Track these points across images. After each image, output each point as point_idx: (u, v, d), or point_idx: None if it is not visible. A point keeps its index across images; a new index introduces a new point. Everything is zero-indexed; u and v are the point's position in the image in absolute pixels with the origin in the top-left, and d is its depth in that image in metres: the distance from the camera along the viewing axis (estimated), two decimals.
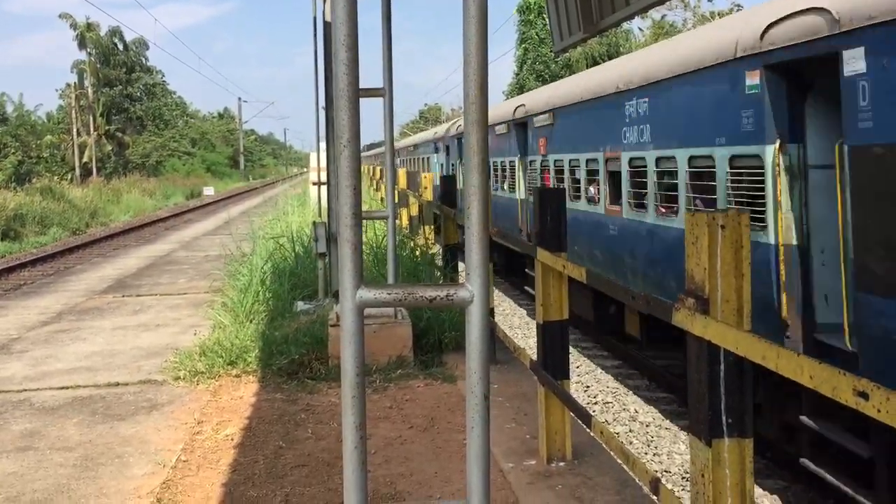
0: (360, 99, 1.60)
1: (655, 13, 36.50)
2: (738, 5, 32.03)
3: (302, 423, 5.84)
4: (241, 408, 6.26)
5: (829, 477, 6.31)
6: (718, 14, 31.57)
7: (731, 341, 2.40)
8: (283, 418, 5.96)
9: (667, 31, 36.17)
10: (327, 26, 8.64)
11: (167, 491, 4.73)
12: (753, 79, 6.94)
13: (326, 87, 8.63)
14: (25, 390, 7.03)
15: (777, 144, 6.65)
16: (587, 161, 11.26)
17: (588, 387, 10.23)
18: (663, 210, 8.85)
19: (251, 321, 8.58)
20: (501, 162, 16.42)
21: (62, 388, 7.08)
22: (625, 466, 4.33)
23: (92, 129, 61.55)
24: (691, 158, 8.14)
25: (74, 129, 58.49)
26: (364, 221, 3.50)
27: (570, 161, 11.98)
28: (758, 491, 6.81)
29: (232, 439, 5.57)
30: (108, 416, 6.21)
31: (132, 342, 8.82)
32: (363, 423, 1.62)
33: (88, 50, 65.92)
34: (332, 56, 7.74)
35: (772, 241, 6.73)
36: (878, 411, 1.67)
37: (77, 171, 55.91)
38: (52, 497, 4.70)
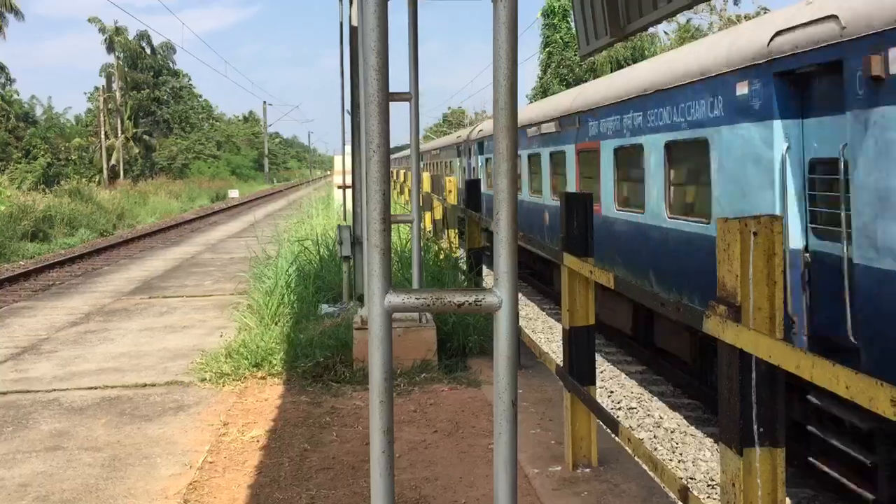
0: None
1: (681, 17, 36.30)
2: (765, 8, 31.76)
3: (327, 426, 5.85)
4: (267, 410, 6.28)
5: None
6: (745, 17, 31.31)
7: (764, 350, 2.37)
8: (308, 421, 5.98)
9: (693, 34, 35.94)
10: (353, 30, 8.67)
11: (194, 492, 4.76)
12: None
13: (352, 91, 8.66)
14: (54, 390, 7.10)
15: None
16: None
17: (612, 392, 10.16)
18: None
19: (276, 323, 8.62)
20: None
21: (91, 388, 7.15)
22: (652, 474, 4.29)
23: (119, 131, 62.28)
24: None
25: (102, 132, 59.20)
26: None
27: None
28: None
29: (257, 441, 5.59)
30: (136, 417, 6.27)
31: (159, 343, 8.89)
32: (391, 427, 1.61)
33: (117, 53, 66.77)
34: (358, 60, 7.75)
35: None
36: None
37: (105, 174, 56.59)
38: (81, 497, 4.75)
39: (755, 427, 2.57)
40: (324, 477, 4.92)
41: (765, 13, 27.48)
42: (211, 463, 5.23)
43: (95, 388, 7.13)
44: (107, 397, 6.84)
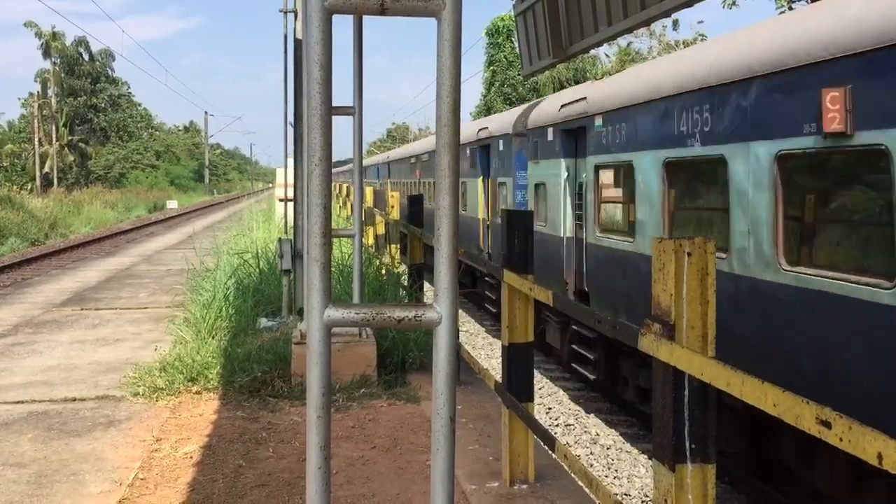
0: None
1: (622, 40, 37.03)
2: (702, 35, 32.61)
3: (263, 442, 5.77)
4: (202, 425, 6.16)
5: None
6: (684, 43, 32.10)
7: (697, 367, 2.42)
8: (244, 436, 5.88)
9: (633, 58, 36.68)
10: (298, 43, 8.64)
11: None
12: None
13: (296, 103, 8.61)
14: None
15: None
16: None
17: (550, 408, 10.25)
18: None
19: (213, 337, 8.48)
20: None
21: (17, 402, 6.91)
22: (587, 490, 4.33)
23: (54, 138, 60.74)
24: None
25: (36, 139, 57.66)
26: None
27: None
28: None
29: (191, 457, 5.48)
30: (65, 432, 6.08)
31: (90, 356, 8.66)
32: (328, 443, 1.60)
33: (53, 59, 65.20)
34: (302, 73, 7.71)
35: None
36: (841, 440, 1.69)
37: (38, 181, 55.06)
38: None
39: (687, 443, 2.62)
40: (259, 494, 4.84)
41: (702, 39, 28.19)
42: (142, 479, 5.11)
43: (22, 402, 6.90)
44: (34, 412, 6.63)
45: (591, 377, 10.19)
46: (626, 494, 7.72)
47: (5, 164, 54.85)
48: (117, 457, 5.53)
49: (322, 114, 1.55)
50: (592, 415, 9.99)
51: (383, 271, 10.97)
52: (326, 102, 1.55)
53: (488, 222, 15.33)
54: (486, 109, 43.73)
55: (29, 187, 50.98)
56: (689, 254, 2.63)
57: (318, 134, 1.54)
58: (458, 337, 7.88)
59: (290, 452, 5.54)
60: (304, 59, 8.16)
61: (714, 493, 2.69)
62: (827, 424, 1.73)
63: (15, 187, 43.60)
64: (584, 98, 10.28)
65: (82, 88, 69.34)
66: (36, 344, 9.40)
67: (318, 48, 1.52)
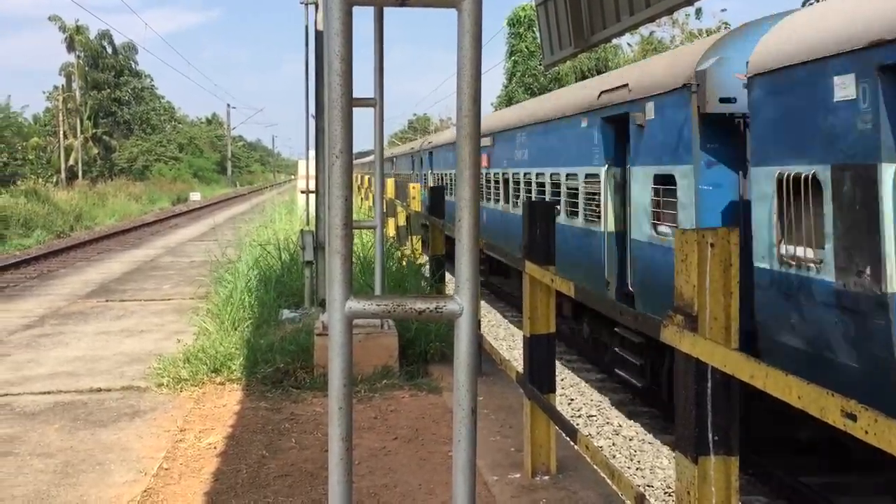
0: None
1: (644, 30, 36.75)
2: (725, 23, 32.29)
3: (286, 433, 5.81)
4: (225, 416, 6.21)
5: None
6: (707, 31, 31.80)
7: (719, 359, 2.41)
8: (267, 427, 5.92)
9: (655, 47, 36.40)
10: (319, 35, 8.65)
11: (148, 499, 4.69)
12: None
13: (317, 96, 8.63)
14: (6, 395, 6.95)
15: None
16: None
17: (572, 399, 10.22)
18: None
19: (236, 328, 8.53)
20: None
21: (44, 392, 7.01)
22: (609, 481, 4.32)
23: (79, 131, 61.33)
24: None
25: (61, 132, 58.23)
26: None
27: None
28: None
29: (215, 448, 5.53)
30: (90, 423, 6.15)
31: (115, 348, 8.75)
32: (350, 434, 1.60)
33: (77, 53, 65.73)
34: (323, 65, 7.72)
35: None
36: (866, 433, 1.67)
37: (63, 174, 55.63)
38: (32, 503, 4.65)
39: (710, 436, 2.61)
40: (281, 484, 4.88)
41: (726, 28, 27.90)
42: (166, 470, 5.16)
43: (49, 393, 6.99)
44: (60, 402, 6.72)
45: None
46: (648, 486, 7.70)
47: (31, 158, 55.40)
48: (142, 447, 5.59)
49: (343, 106, 1.55)
50: (615, 406, 9.96)
51: (404, 262, 10.99)
52: (347, 94, 1.55)
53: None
54: (508, 100, 43.60)
55: (54, 180, 51.50)
56: (711, 245, 2.60)
57: (338, 126, 1.54)
58: (480, 328, 7.87)
59: (313, 443, 5.58)
60: (324, 51, 8.18)
61: (737, 485, 2.67)
62: (852, 417, 1.71)
63: (40, 180, 44.02)
64: None
65: (106, 82, 69.88)
66: (62, 335, 9.51)
67: (338, 40, 1.52)
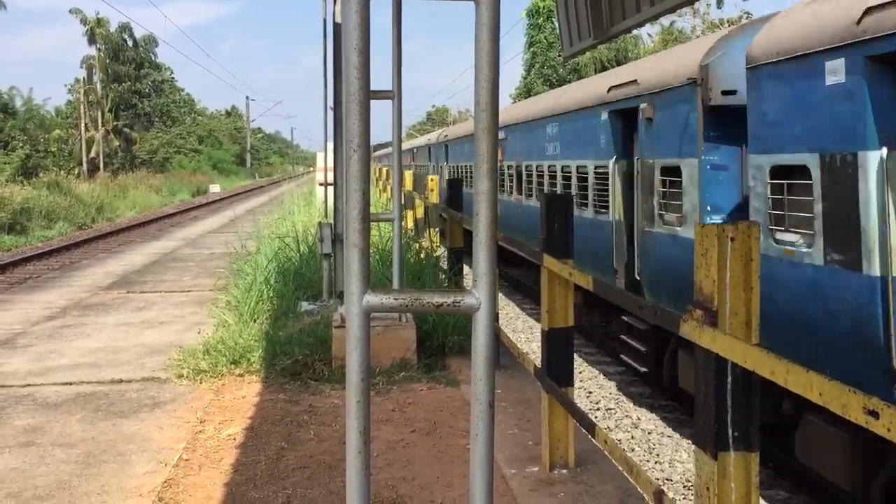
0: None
1: (665, 20, 36.46)
2: (747, 13, 31.99)
3: (304, 425, 5.83)
4: (244, 407, 6.25)
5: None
6: (728, 21, 31.50)
7: (740, 354, 2.38)
8: (286, 419, 5.95)
9: (676, 37, 36.12)
10: (337, 27, 8.64)
11: (168, 490, 4.72)
12: None
13: (335, 88, 8.63)
14: (29, 385, 7.03)
15: None
16: None
17: (591, 392, 10.20)
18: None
19: (255, 320, 8.58)
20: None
21: (65, 383, 7.08)
22: (628, 476, 4.30)
23: (100, 124, 61.75)
24: None
25: (83, 124, 58.65)
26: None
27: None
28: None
29: (234, 439, 5.56)
30: (111, 413, 6.21)
31: (136, 339, 8.82)
32: (367, 427, 1.60)
33: (98, 45, 66.13)
34: (341, 57, 7.70)
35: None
36: (889, 430, 1.65)
37: (84, 166, 56.06)
38: (54, 493, 4.70)
39: (730, 431, 2.59)
40: (300, 476, 4.90)
41: (748, 17, 27.64)
42: (186, 460, 5.20)
43: (70, 384, 7.06)
44: (82, 393, 6.78)
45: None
46: (667, 479, 7.67)
47: (53, 150, 55.81)
48: (162, 438, 5.63)
49: (360, 99, 1.54)
50: (634, 399, 9.93)
51: (422, 255, 10.99)
52: (365, 87, 1.55)
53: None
54: (526, 92, 43.45)
55: (76, 172, 51.87)
56: (732, 239, 2.58)
57: (356, 119, 1.53)
58: (497, 321, 7.86)
59: (331, 435, 5.60)
60: (342, 43, 8.14)
61: (757, 480, 2.65)
62: (874, 414, 1.69)
63: (62, 172, 44.38)
64: None
65: (127, 74, 70.31)
66: (83, 326, 9.60)
67: (356, 33, 1.51)
